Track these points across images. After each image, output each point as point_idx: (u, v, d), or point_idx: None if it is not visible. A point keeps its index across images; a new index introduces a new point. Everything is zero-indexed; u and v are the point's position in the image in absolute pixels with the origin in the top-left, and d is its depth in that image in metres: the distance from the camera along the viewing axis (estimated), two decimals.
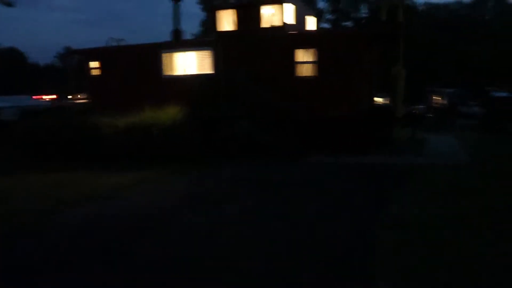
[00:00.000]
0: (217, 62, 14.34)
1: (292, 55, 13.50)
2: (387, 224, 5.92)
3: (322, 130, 12.70)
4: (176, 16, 15.41)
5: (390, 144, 13.71)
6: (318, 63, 13.28)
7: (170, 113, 12.92)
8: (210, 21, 15.00)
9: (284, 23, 13.82)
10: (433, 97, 40.43)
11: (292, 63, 13.51)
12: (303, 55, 13.59)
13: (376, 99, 18.22)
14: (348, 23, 57.63)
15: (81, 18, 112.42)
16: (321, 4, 56.02)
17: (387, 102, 23.96)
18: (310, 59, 13.45)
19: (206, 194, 8.18)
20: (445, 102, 39.78)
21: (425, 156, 12.56)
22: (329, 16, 56.85)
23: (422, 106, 33.10)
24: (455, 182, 8.68)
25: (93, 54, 16.94)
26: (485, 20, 61.95)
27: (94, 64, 16.84)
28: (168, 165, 11.17)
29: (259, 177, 9.71)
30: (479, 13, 64.83)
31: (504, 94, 31.57)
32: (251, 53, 13.89)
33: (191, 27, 57.47)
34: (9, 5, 11.85)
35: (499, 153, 13.04)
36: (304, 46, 13.52)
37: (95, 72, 16.90)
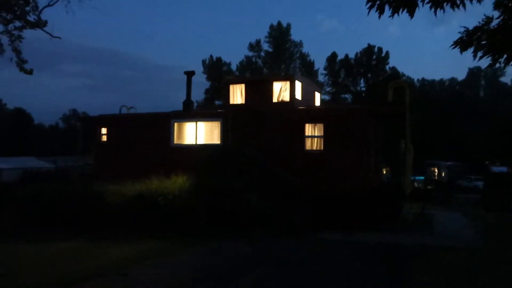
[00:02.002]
0: (227, 133, 14.58)
1: (301, 130, 13.77)
2: None
3: (331, 206, 12.54)
4: (189, 87, 15.99)
5: (399, 221, 13.48)
6: (327, 138, 13.51)
7: (178, 182, 12.84)
8: (223, 94, 15.50)
9: (293, 98, 14.29)
10: (432, 170, 40.72)
11: (301, 138, 13.74)
12: (312, 130, 13.86)
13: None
14: (347, 96, 59.85)
15: (87, 83, 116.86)
16: (320, 78, 58.57)
17: None
18: (319, 134, 13.70)
19: (214, 272, 7.83)
20: (443, 175, 40.00)
21: (436, 236, 12.28)
22: (329, 89, 59.15)
23: (421, 178, 33.12)
24: (472, 270, 8.31)
25: (104, 120, 17.26)
26: (478, 98, 64.45)
27: (103, 130, 17.08)
28: (174, 237, 10.85)
29: (269, 255, 9.38)
30: (473, 90, 67.57)
31: (503, 170, 31.78)
32: (261, 126, 14.17)
33: (196, 95, 59.60)
34: (30, 73, 12.26)
35: (509, 234, 12.80)
36: (314, 121, 13.85)
37: (104, 138, 17.08)
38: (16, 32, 11.77)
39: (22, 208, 13.32)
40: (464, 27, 3.58)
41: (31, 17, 11.90)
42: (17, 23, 11.76)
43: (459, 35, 3.70)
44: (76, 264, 8.13)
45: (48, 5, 11.91)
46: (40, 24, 12.05)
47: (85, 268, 7.79)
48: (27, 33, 11.98)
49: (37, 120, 67.77)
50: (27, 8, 11.65)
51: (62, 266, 7.94)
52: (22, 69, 12.22)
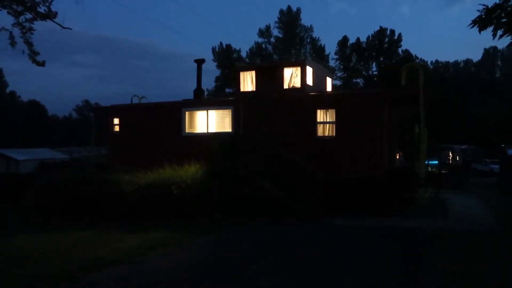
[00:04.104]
0: (238, 121, 14.55)
1: (313, 116, 13.66)
2: None
3: (344, 192, 12.50)
4: (199, 75, 15.94)
5: (413, 206, 13.38)
6: (340, 124, 13.38)
7: (190, 171, 12.93)
8: (234, 81, 15.44)
9: (304, 84, 14.13)
10: (447, 154, 40.14)
11: (313, 123, 13.64)
12: (324, 116, 13.74)
13: None
14: (359, 80, 59.10)
15: (99, 73, 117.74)
16: (332, 62, 57.88)
17: None
18: (331, 120, 13.57)
19: (228, 259, 7.87)
20: (458, 159, 39.44)
21: (451, 220, 12.15)
22: (340, 74, 58.46)
23: (435, 163, 32.74)
24: (489, 254, 8.17)
25: (116, 110, 17.37)
26: (494, 79, 62.95)
27: (116, 120, 17.21)
28: (187, 225, 10.96)
29: (282, 242, 9.39)
30: (488, 71, 65.98)
31: None
32: (272, 113, 14.11)
33: (206, 83, 59.64)
34: (42, 65, 12.32)
35: None
36: (326, 106, 13.71)
37: (116, 128, 17.22)
38: (27, 24, 11.78)
39: (39, 198, 13.57)
40: (483, 4, 3.43)
41: (41, 9, 11.88)
42: (28, 15, 11.76)
43: (474, 14, 3.55)
44: (93, 252, 8.25)
45: None
46: (50, 15, 12.01)
47: (102, 256, 7.91)
48: (38, 25, 12.00)
49: (51, 112, 68.70)
50: (37, 0, 11.62)
51: (79, 254, 8.08)
52: (34, 61, 12.25)
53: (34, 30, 11.94)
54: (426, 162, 16.00)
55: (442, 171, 25.95)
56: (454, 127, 45.95)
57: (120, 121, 17.20)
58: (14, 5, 11.63)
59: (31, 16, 11.87)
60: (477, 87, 53.80)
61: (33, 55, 12.10)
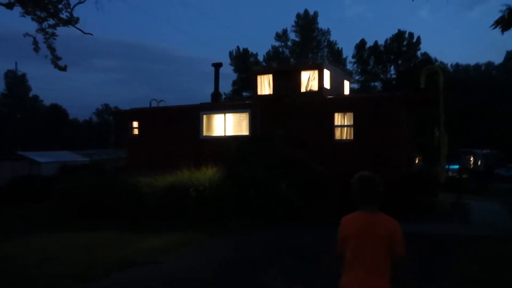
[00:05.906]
0: (255, 124, 14.59)
1: (330, 119, 13.59)
2: None
3: None
4: (217, 79, 16.07)
5: (434, 211, 13.12)
6: (357, 127, 13.27)
7: (208, 173, 13.01)
8: (251, 85, 15.50)
9: (321, 87, 14.08)
10: (468, 159, 39.12)
11: (331, 127, 13.57)
12: (342, 119, 13.66)
13: None
14: (377, 84, 58.46)
15: (118, 78, 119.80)
16: (349, 66, 57.49)
17: None
18: (349, 123, 13.48)
19: (244, 262, 7.88)
20: (479, 164, 38.41)
21: (473, 226, 11.88)
22: (358, 77, 57.96)
23: (456, 167, 31.98)
24: None
25: (135, 114, 17.64)
26: None
27: (135, 123, 17.48)
28: (205, 227, 11.02)
29: (299, 246, 9.35)
30: (510, 74, 64.30)
31: None
32: (290, 116, 14.10)
33: (223, 87, 60.04)
34: (64, 69, 12.65)
35: None
36: (343, 110, 13.63)
37: (135, 131, 17.49)
38: (50, 30, 12.13)
39: (61, 200, 13.88)
40: (507, 5, 3.37)
41: (64, 15, 12.21)
42: (51, 21, 12.11)
43: (494, 16, 3.49)
44: (114, 252, 8.38)
45: (80, 2, 12.18)
46: (72, 21, 12.34)
47: (123, 256, 8.04)
48: (60, 30, 12.31)
49: (72, 115, 70.13)
50: (60, 6, 11.96)
51: (101, 255, 8.22)
52: (56, 66, 12.59)
53: (57, 35, 12.28)
54: (447, 167, 15.68)
55: (463, 176, 25.36)
56: (475, 131, 44.93)
57: (139, 124, 17.47)
58: (38, 11, 11.99)
59: (54, 22, 12.22)
60: (499, 90, 52.49)
61: (55, 60, 12.44)
